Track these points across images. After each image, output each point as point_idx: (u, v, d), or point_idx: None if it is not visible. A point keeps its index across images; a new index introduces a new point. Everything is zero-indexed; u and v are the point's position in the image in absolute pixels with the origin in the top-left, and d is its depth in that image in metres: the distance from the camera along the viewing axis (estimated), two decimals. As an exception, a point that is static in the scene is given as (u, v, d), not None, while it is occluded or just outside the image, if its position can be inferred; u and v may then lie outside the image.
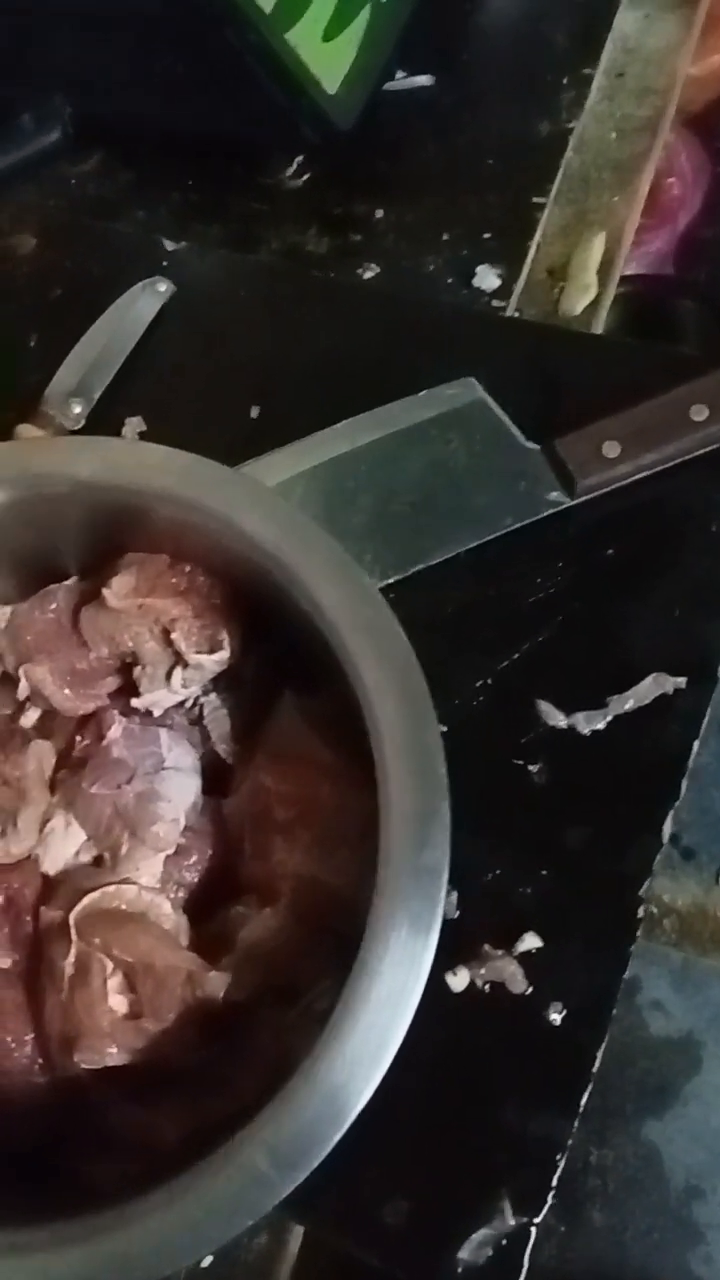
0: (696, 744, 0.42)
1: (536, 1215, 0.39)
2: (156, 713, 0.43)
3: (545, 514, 0.45)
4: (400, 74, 0.61)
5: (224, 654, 0.41)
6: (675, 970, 0.60)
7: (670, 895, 0.57)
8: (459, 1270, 0.38)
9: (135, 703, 0.42)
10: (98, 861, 0.41)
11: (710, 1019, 0.61)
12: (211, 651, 0.41)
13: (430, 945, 0.31)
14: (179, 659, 0.41)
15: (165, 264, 0.57)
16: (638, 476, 0.45)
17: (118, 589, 0.41)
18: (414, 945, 0.31)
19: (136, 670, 0.42)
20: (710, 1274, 0.60)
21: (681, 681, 0.43)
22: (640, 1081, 0.61)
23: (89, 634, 0.43)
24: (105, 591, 0.41)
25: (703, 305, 0.99)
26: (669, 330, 0.99)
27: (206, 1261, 0.43)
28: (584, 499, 0.45)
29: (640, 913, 0.40)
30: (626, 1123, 0.61)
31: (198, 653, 0.41)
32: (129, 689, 0.43)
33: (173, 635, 0.41)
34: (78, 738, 0.43)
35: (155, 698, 0.42)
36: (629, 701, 0.43)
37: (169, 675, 0.42)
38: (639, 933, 0.49)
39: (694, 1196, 0.60)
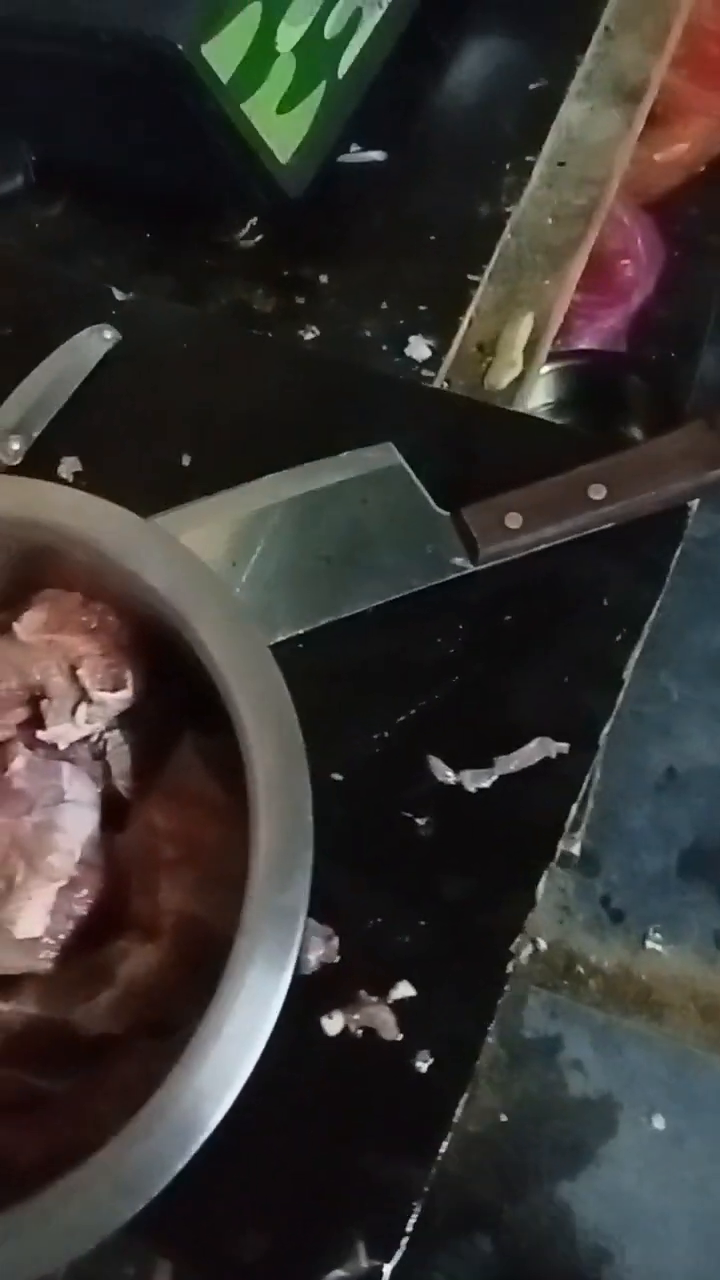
0: (574, 808, 0.44)
1: (389, 1260, 0.39)
2: (61, 746, 0.44)
3: (449, 578, 0.47)
4: (354, 148, 0.64)
5: (127, 693, 0.42)
6: (597, 1031, 0.60)
7: (597, 956, 0.58)
8: (313, 1310, 0.39)
9: (41, 735, 0.43)
10: (-9, 889, 0.42)
11: (628, 1081, 0.62)
12: (115, 690, 0.42)
13: (283, 984, 0.33)
14: (84, 695, 0.43)
15: (114, 312, 0.59)
16: (537, 548, 0.47)
17: (28, 624, 0.42)
18: (267, 983, 0.32)
19: (44, 703, 0.44)
20: (615, 1336, 0.60)
21: (564, 746, 0.44)
22: (556, 1140, 0.62)
23: None
24: (16, 626, 0.43)
25: (651, 383, 1.03)
26: (616, 406, 1.02)
27: (72, 1292, 0.44)
28: (486, 566, 0.47)
29: (509, 968, 0.42)
30: (541, 1181, 0.61)
31: (101, 690, 0.42)
32: (37, 721, 0.44)
33: (79, 672, 0.42)
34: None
35: (60, 731, 0.43)
36: (514, 762, 0.44)
37: (74, 710, 0.43)
38: (565, 991, 0.50)
39: (603, 1259, 0.60)
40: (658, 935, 0.60)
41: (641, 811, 0.69)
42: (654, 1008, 0.62)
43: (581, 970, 0.60)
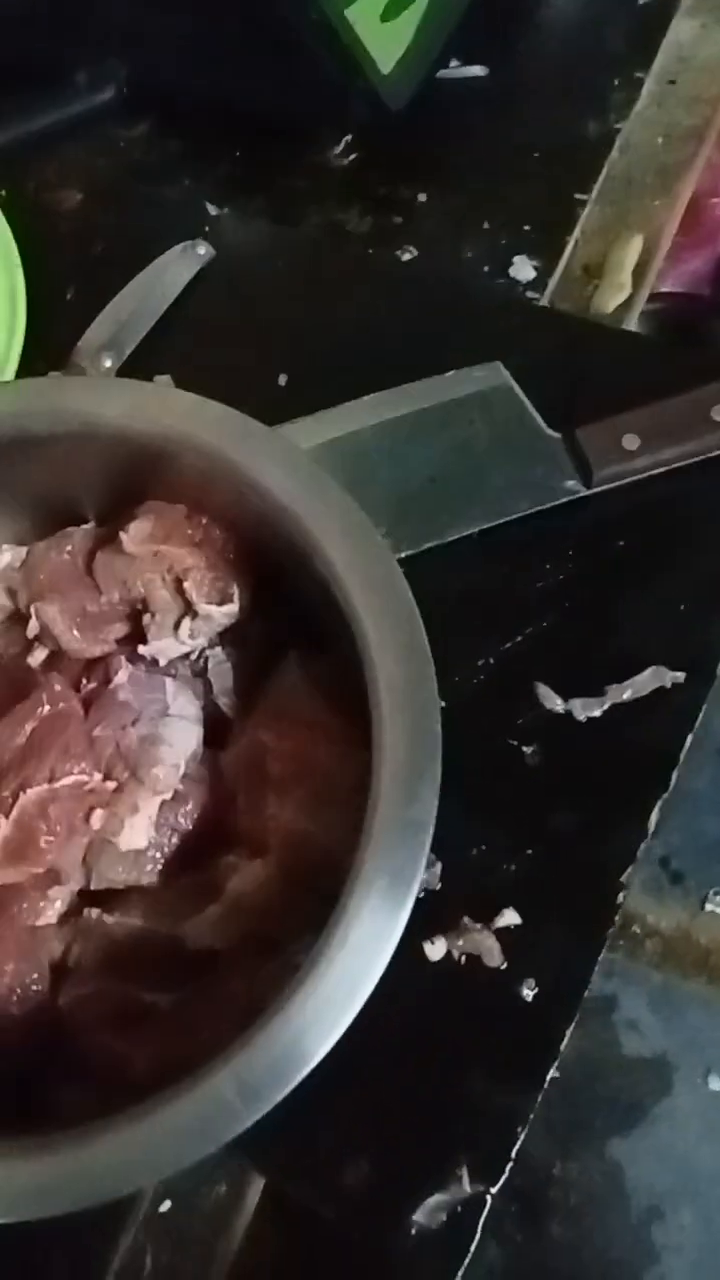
0: (690, 738, 0.43)
1: (493, 1185, 0.39)
2: (162, 661, 0.43)
3: (560, 501, 0.46)
4: (455, 63, 0.62)
5: (233, 607, 0.42)
6: (654, 991, 0.60)
7: (655, 917, 0.57)
8: (413, 1232, 0.39)
9: (142, 649, 0.43)
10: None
11: (685, 1043, 0.61)
12: (222, 603, 0.42)
13: (409, 898, 0.32)
14: (189, 608, 0.42)
15: (207, 229, 0.58)
16: (654, 472, 0.45)
17: (135, 534, 0.42)
18: (394, 896, 0.32)
19: (146, 617, 0.43)
20: (664, 1295, 0.60)
21: (680, 676, 0.43)
22: (610, 1098, 0.61)
23: (102, 578, 0.43)
24: (122, 535, 0.42)
25: (735, 329, 0.99)
26: (699, 349, 0.99)
27: (165, 1206, 0.44)
28: (599, 490, 0.46)
29: (620, 898, 0.41)
30: (593, 1138, 0.61)
31: (208, 603, 0.42)
32: (137, 637, 0.43)
33: (185, 584, 0.42)
34: (84, 680, 0.44)
35: (162, 645, 0.43)
36: (627, 691, 0.43)
37: (177, 625, 0.42)
38: (622, 950, 0.49)
39: (654, 1218, 0.60)
40: (718, 899, 0.58)
41: (703, 774, 0.67)
42: (713, 970, 0.61)
43: (639, 931, 0.59)
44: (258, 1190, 0.44)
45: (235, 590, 0.42)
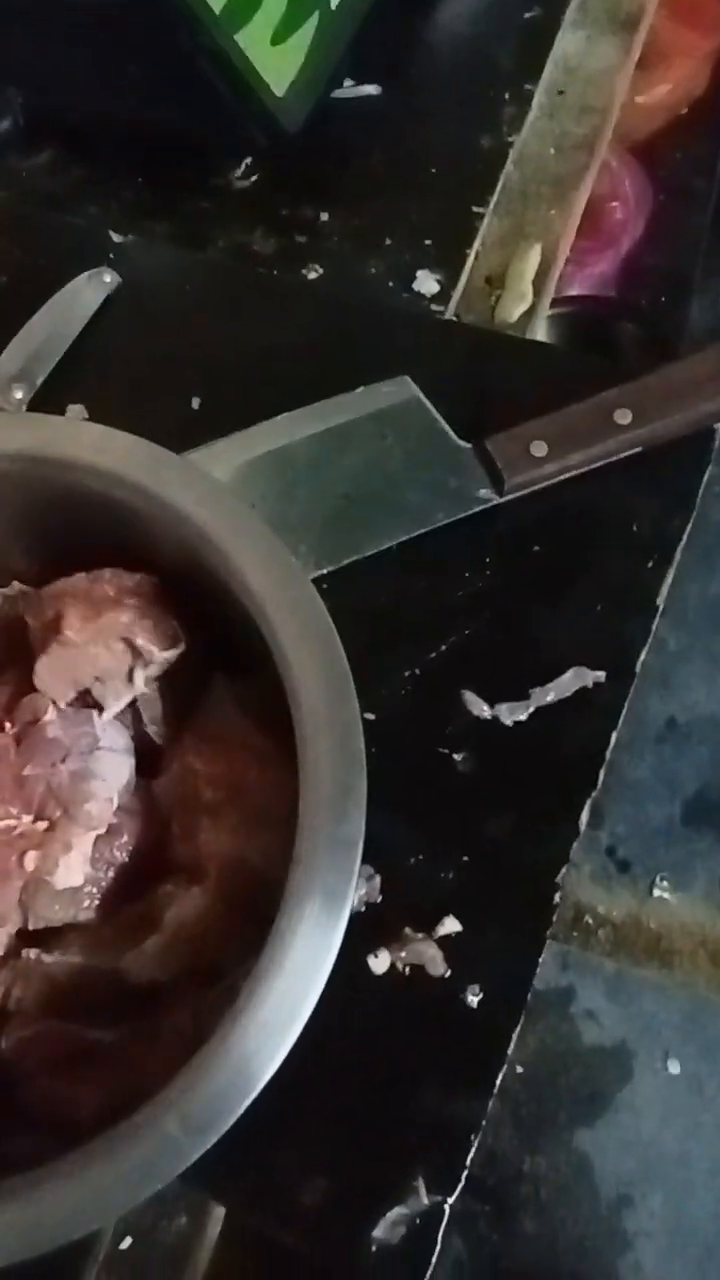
0: (614, 735, 0.43)
1: (450, 1195, 0.39)
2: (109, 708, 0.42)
3: (475, 510, 0.46)
4: (349, 83, 0.62)
5: (181, 645, 0.41)
6: (609, 980, 0.60)
7: (605, 906, 0.58)
8: (373, 1249, 0.39)
9: (103, 717, 0.42)
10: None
11: (642, 1029, 0.62)
12: (172, 646, 0.41)
13: (343, 916, 0.32)
14: (137, 658, 0.41)
15: (112, 256, 0.58)
16: (563, 476, 0.46)
17: (72, 621, 0.40)
18: (327, 916, 0.32)
19: (96, 688, 0.42)
20: (638, 1281, 0.61)
21: (601, 675, 0.44)
22: (573, 1089, 0.62)
23: (51, 686, 0.42)
24: (66, 633, 0.41)
25: (641, 327, 1.01)
26: (608, 350, 1.01)
27: (126, 1243, 0.44)
28: (512, 497, 0.46)
29: (556, 898, 0.42)
30: (559, 1131, 0.62)
31: (161, 651, 0.41)
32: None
33: (137, 642, 0.41)
34: (7, 725, 0.43)
35: (119, 704, 0.42)
36: (550, 694, 0.44)
37: (130, 676, 0.42)
38: (575, 942, 0.49)
39: (624, 1205, 0.61)
40: (665, 884, 0.60)
41: (644, 762, 0.69)
42: (664, 955, 0.62)
43: (590, 921, 0.60)
44: (218, 1221, 0.44)
45: (176, 628, 0.41)
